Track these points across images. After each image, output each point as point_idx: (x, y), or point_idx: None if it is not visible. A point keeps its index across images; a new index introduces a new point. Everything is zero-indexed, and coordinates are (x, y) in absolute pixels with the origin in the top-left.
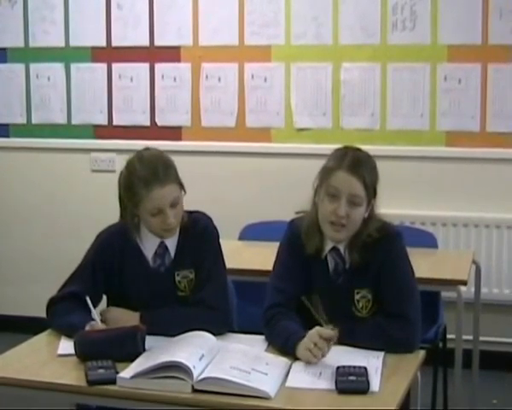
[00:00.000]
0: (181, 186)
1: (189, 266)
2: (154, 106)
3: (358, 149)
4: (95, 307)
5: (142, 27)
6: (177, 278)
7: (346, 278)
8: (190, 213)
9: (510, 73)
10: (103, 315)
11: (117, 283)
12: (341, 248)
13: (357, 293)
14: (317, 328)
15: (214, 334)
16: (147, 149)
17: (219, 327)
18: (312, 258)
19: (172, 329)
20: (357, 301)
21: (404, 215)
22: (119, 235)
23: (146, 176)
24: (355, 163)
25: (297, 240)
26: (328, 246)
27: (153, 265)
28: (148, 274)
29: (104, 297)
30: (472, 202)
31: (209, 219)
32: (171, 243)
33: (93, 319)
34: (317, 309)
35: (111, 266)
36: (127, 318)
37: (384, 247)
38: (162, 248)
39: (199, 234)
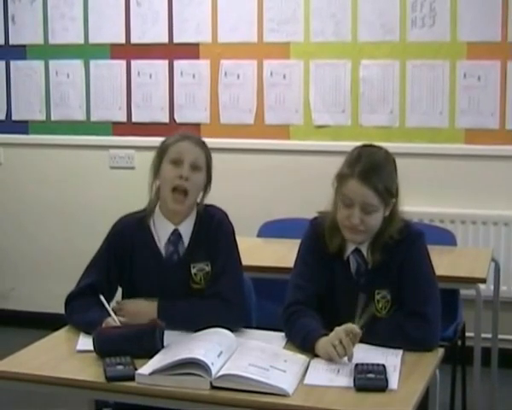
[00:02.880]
0: (208, 174)
1: (205, 258)
2: (173, 103)
3: (375, 150)
4: (112, 296)
5: (160, 24)
6: (193, 271)
7: (367, 278)
8: (206, 206)
9: None
10: (121, 307)
11: (129, 271)
12: (363, 249)
13: (378, 293)
14: (346, 325)
15: (230, 329)
16: None
17: (235, 321)
18: (334, 257)
19: (188, 321)
20: (378, 302)
21: (422, 213)
22: (133, 224)
23: (179, 135)
24: (367, 171)
25: (319, 239)
26: (351, 247)
27: (166, 253)
28: (161, 264)
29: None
30: (491, 200)
31: (224, 213)
32: (185, 231)
33: (110, 315)
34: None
35: (123, 255)
36: (145, 309)
37: (405, 247)
38: (176, 235)
39: (214, 227)
